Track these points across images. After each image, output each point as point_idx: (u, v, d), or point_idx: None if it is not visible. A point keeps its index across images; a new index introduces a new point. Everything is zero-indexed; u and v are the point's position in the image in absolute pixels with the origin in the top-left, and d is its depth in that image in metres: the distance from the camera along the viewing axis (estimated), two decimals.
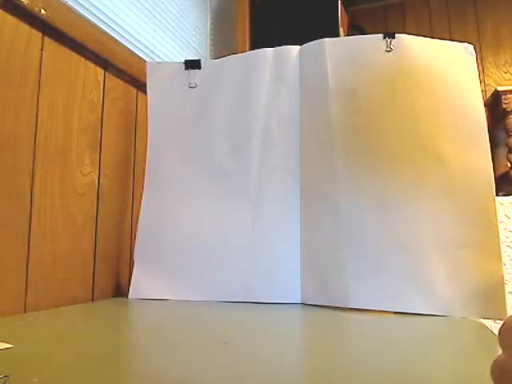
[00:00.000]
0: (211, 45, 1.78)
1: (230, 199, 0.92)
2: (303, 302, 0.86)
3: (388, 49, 0.87)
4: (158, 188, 0.95)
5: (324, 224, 0.85)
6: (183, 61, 1.01)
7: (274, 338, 0.59)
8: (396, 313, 0.75)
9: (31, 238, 0.75)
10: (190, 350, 0.50)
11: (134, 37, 1.19)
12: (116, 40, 1.06)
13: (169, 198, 0.95)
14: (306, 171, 0.90)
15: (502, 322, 0.24)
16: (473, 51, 0.88)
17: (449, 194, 0.80)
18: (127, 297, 0.90)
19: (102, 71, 0.96)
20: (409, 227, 0.80)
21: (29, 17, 0.76)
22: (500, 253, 0.75)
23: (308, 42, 0.95)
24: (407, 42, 0.87)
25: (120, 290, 0.98)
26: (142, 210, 0.95)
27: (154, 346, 0.52)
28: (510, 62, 2.48)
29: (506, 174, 1.99)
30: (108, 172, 0.96)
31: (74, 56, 0.88)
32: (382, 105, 0.85)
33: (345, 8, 2.03)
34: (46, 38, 0.80)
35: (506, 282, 0.74)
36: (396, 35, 0.88)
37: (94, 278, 0.90)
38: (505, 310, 0.71)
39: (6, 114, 0.72)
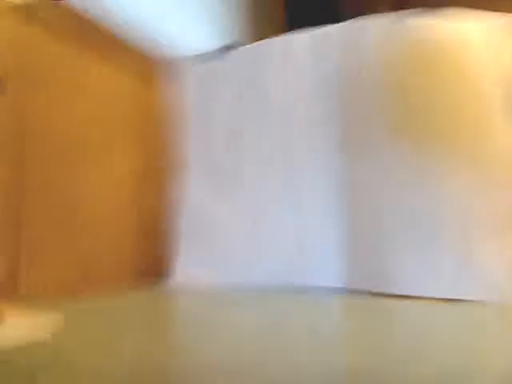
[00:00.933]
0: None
1: (274, 187, 0.91)
2: (348, 286, 0.83)
3: (421, 24, 0.84)
4: (206, 175, 0.96)
5: (365, 202, 0.83)
6: (217, 47, 1.01)
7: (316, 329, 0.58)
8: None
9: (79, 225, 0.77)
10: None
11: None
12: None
13: (218, 186, 0.95)
14: (346, 149, 0.87)
15: None
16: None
17: (485, 171, 0.77)
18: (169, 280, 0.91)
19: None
20: (452, 206, 0.77)
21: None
22: None
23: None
24: (440, 16, 0.83)
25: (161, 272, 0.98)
26: (186, 199, 0.95)
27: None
28: None
29: None
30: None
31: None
32: (417, 79, 0.83)
33: None
34: None
35: None
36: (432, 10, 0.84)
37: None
38: None
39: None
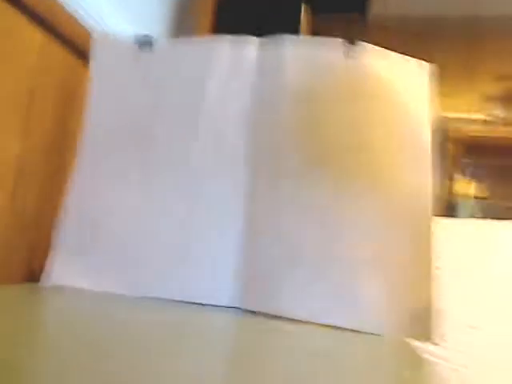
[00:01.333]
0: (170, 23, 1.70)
1: (168, 193, 0.87)
2: (238, 305, 0.81)
3: (347, 55, 0.86)
4: (97, 169, 0.88)
5: (266, 225, 0.83)
6: (135, 36, 0.93)
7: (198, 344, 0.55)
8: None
9: None
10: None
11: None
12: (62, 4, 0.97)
13: (109, 186, 0.88)
14: (252, 178, 0.86)
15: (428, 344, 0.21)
16: (428, 69, 0.87)
17: (386, 214, 0.80)
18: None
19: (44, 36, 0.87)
20: (345, 241, 0.79)
21: None
22: (431, 275, 0.76)
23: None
24: (366, 50, 0.86)
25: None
26: (71, 193, 0.86)
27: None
28: None
29: None
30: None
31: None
32: (338, 113, 0.84)
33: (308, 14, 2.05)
34: None
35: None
36: (356, 42, 0.86)
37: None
38: (430, 332, 0.71)
39: None
